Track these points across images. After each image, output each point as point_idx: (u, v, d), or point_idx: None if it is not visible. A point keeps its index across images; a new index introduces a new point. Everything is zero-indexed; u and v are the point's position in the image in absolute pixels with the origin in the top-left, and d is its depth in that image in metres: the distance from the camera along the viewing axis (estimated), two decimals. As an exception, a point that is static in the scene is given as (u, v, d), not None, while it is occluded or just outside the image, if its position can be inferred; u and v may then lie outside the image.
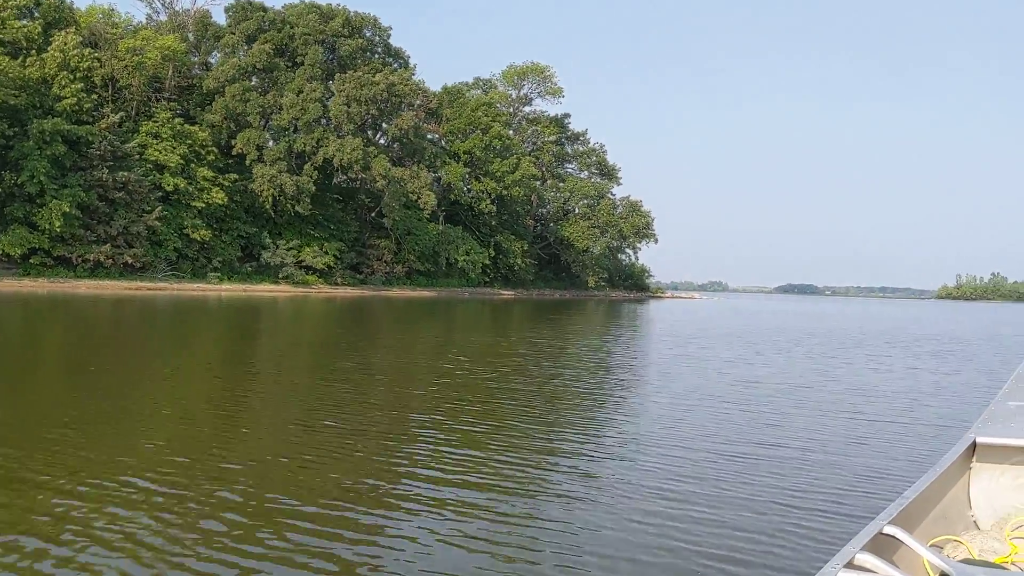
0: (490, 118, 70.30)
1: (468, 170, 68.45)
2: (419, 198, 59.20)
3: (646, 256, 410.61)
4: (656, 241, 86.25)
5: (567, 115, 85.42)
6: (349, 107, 57.41)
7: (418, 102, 66.54)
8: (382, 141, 66.28)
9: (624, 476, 6.37)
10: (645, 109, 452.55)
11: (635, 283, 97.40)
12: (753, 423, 8.88)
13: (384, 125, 60.62)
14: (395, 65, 66.40)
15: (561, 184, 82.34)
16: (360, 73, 57.84)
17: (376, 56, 66.95)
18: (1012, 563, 3.19)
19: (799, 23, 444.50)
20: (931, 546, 3.11)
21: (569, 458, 6.98)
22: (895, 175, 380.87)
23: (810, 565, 4.36)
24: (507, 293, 75.87)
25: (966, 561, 3.07)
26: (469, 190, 69.70)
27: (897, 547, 2.89)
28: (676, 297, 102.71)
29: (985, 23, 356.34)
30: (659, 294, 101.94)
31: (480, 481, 6.08)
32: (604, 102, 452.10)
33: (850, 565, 2.53)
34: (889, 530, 2.86)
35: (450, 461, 6.65)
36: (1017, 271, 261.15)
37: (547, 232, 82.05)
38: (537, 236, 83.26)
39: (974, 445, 3.95)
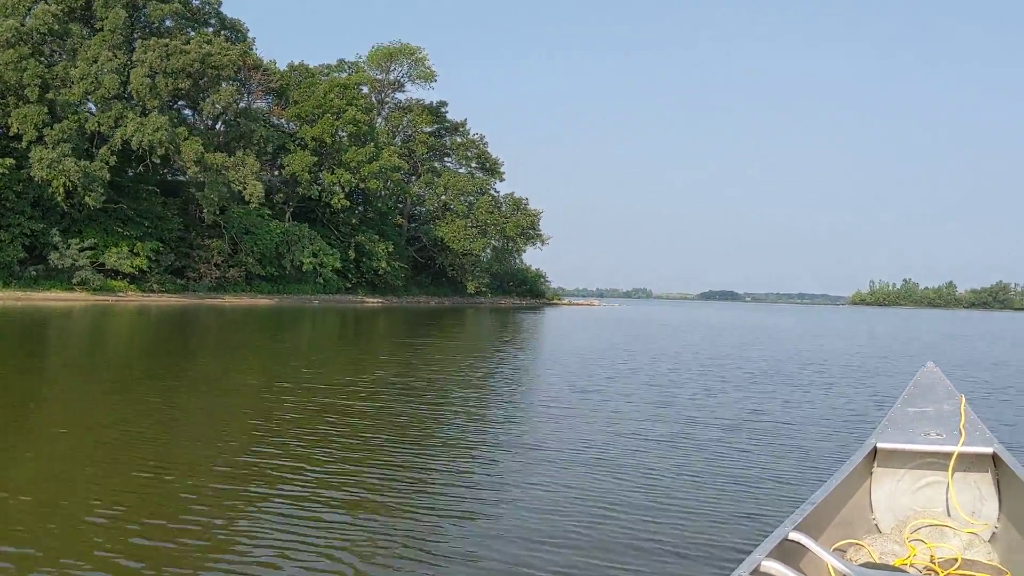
0: (345, 101, 61.14)
1: (316, 159, 58.85)
2: (244, 188, 49.47)
3: (560, 260, 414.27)
4: (543, 243, 77.85)
5: (444, 103, 76.88)
6: (154, 80, 47.38)
7: (256, 81, 56.84)
8: (211, 124, 56.18)
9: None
10: (572, 111, 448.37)
11: (529, 289, 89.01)
12: (645, 431, 8.33)
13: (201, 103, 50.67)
14: (230, 38, 56.52)
15: (436, 179, 73.20)
16: (168, 40, 47.85)
17: (208, 28, 57.13)
18: (911, 565, 3.35)
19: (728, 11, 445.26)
20: (835, 551, 3.35)
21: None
22: (812, 183, 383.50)
23: (719, 574, 4.13)
24: (373, 301, 67.06)
25: (867, 565, 3.26)
26: (319, 182, 60.12)
27: (802, 553, 2.99)
28: (574, 304, 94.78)
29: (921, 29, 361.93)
30: (556, 301, 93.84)
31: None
32: (520, 104, 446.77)
33: (756, 572, 2.61)
34: (794, 536, 2.97)
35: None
36: (927, 277, 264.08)
37: (421, 233, 72.88)
38: (411, 237, 74.13)
39: (875, 451, 4.14)
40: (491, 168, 78.41)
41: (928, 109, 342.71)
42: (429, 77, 73.39)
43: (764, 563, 2.63)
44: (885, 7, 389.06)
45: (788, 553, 2.90)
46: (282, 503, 5.33)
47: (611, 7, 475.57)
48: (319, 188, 61.89)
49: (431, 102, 77.15)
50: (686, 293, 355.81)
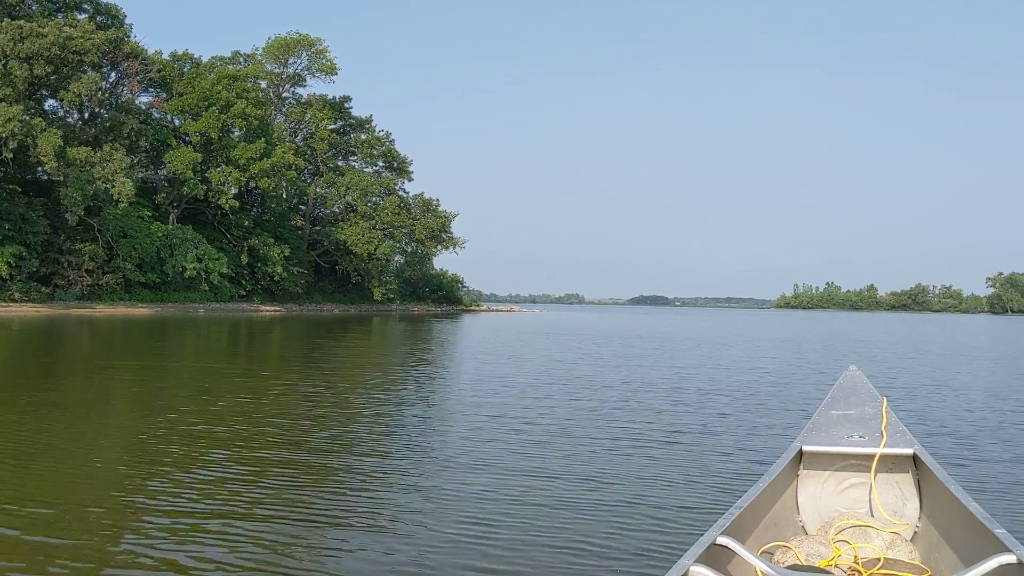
0: (234, 94, 56.89)
1: (202, 157, 54.57)
2: (112, 186, 45.04)
3: (493, 266, 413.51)
4: (457, 247, 74.64)
5: (347, 98, 73.21)
6: (6, 65, 42.62)
7: (133, 70, 52.29)
8: (79, 116, 51.42)
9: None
10: (503, 119, 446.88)
11: (445, 295, 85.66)
12: (567, 437, 8.18)
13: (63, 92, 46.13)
14: (104, 23, 51.87)
15: (339, 179, 69.29)
16: (22, 23, 43.15)
17: (82, 14, 52.33)
18: (835, 566, 3.45)
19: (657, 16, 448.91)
20: (762, 553, 3.45)
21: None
22: (741, 188, 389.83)
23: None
24: (269, 309, 63.02)
25: (793, 567, 3.34)
26: (207, 181, 55.79)
27: (730, 557, 3.06)
28: (494, 311, 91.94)
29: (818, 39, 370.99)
30: (474, 307, 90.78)
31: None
32: (449, 107, 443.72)
33: None
34: (722, 540, 3.01)
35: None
36: (849, 281, 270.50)
37: (324, 236, 68.88)
38: (313, 241, 70.08)
39: (800, 453, 4.22)
40: (399, 167, 74.86)
41: (880, 113, 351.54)
42: (330, 70, 69.61)
43: (692, 568, 2.71)
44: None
45: (716, 557, 2.98)
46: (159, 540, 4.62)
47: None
48: (206, 188, 57.46)
49: (334, 97, 73.31)
50: (617, 298, 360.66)
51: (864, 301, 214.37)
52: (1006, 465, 7.37)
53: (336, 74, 69.81)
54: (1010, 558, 2.85)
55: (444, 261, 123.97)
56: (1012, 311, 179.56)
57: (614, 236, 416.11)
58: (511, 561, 4.39)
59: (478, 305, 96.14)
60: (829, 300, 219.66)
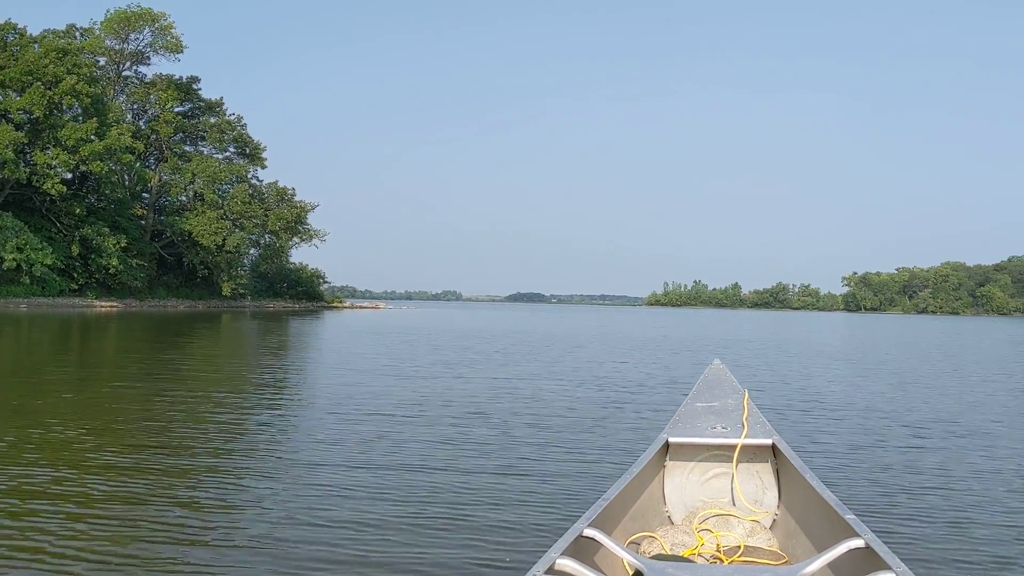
0: (64, 69, 52.22)
1: (24, 136, 49.78)
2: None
3: (367, 261, 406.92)
4: (316, 238, 71.66)
5: (195, 79, 68.89)
6: None
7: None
8: None
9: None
10: (377, 109, 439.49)
11: (305, 291, 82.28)
12: (429, 437, 8.01)
13: None
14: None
15: (186, 165, 65.11)
16: None
17: None
18: (699, 554, 3.55)
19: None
20: (629, 544, 3.58)
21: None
22: (614, 185, 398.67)
23: (516, 572, 4.17)
24: (105, 305, 58.70)
25: (657, 557, 3.39)
26: (30, 164, 50.97)
27: (597, 548, 3.10)
28: (358, 308, 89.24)
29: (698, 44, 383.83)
30: (336, 304, 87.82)
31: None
32: (322, 100, 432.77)
33: (551, 571, 2.68)
34: (589, 532, 3.05)
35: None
36: (715, 279, 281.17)
37: (168, 226, 64.57)
38: (156, 231, 65.65)
39: (667, 445, 4.36)
40: (252, 153, 71.15)
41: (743, 119, 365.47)
42: (176, 48, 65.44)
43: (559, 561, 2.72)
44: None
45: (583, 549, 3.00)
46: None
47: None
48: (29, 171, 52.62)
49: (181, 77, 68.80)
50: (495, 295, 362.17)
51: (729, 299, 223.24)
52: (857, 452, 7.83)
53: (181, 52, 65.77)
54: (859, 542, 2.98)
55: (309, 255, 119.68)
56: (865, 309, 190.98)
57: (491, 233, 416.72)
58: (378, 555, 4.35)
59: (340, 301, 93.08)
60: (697, 298, 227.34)
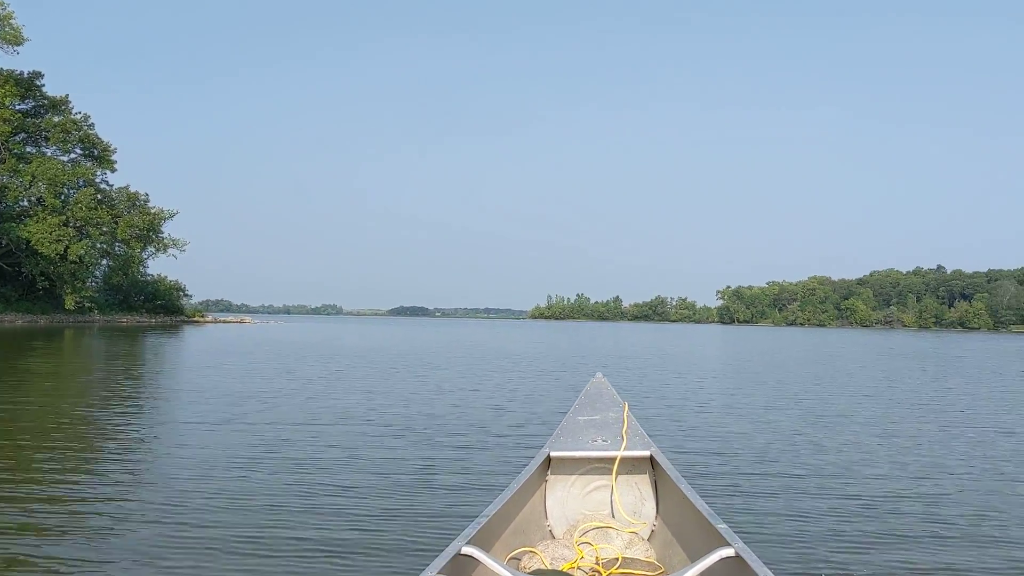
0: None
1: None
2: None
3: (243, 273, 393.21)
4: (171, 248, 66.97)
5: (38, 73, 63.30)
6: None
7: None
8: None
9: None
10: (253, 115, 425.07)
11: (163, 304, 76.85)
12: (309, 451, 8.00)
13: None
14: None
15: (25, 167, 59.43)
16: None
17: None
18: (578, 567, 3.58)
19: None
20: (509, 560, 3.58)
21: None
22: (498, 197, 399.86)
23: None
24: (-75, 320, 52.11)
25: (537, 572, 3.41)
26: None
27: (475, 566, 3.09)
28: (222, 322, 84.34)
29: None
30: (198, 318, 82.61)
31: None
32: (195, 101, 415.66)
33: None
34: (467, 550, 3.04)
35: None
36: (597, 292, 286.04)
37: (3, 233, 58.66)
38: (-9, 240, 59.55)
39: (549, 459, 4.39)
40: (100, 155, 65.76)
41: (621, 137, 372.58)
42: (15, 40, 59.68)
43: None
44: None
45: (461, 567, 2.99)
46: None
47: None
48: None
49: (23, 72, 63.01)
50: (377, 309, 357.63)
51: (610, 311, 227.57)
52: (732, 461, 7.97)
53: (21, 44, 59.98)
54: (729, 551, 3.03)
55: (173, 267, 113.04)
56: (738, 321, 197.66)
57: (373, 246, 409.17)
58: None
59: (202, 316, 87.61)
60: (579, 310, 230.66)
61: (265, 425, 9.74)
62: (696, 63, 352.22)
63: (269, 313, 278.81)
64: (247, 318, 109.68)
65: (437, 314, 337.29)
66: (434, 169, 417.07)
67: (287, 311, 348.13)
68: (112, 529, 5.20)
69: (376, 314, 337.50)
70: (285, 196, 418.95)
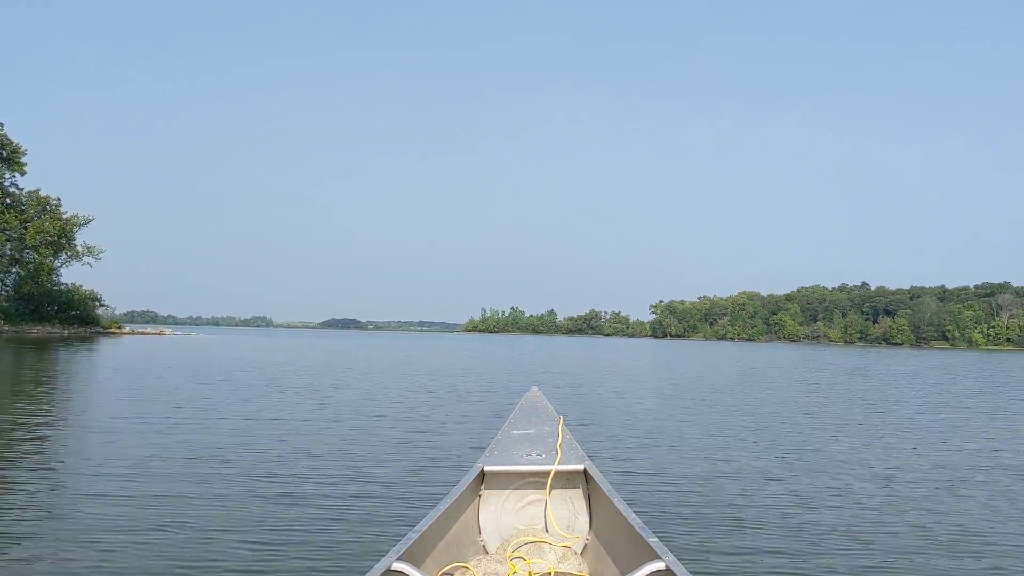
0: None
1: None
2: None
3: (171, 284, 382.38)
4: (85, 255, 63.89)
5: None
6: None
7: None
8: None
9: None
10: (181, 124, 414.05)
11: (78, 315, 73.59)
12: (232, 471, 7.76)
13: None
14: None
15: (-75, 168, 56.33)
16: None
17: None
18: None
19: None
20: (441, 575, 3.57)
21: None
22: (429, 209, 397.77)
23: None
24: None
25: None
26: None
27: None
28: (139, 333, 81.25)
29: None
30: (114, 330, 79.41)
31: None
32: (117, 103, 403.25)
33: None
34: (398, 566, 3.04)
35: None
36: (532, 305, 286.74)
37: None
38: None
39: (482, 473, 4.39)
40: (9, 157, 62.72)
41: (555, 157, 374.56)
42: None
43: None
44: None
45: None
46: None
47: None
48: None
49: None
50: (308, 321, 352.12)
51: (545, 325, 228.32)
52: (664, 474, 8.09)
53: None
54: (659, 565, 3.06)
55: (97, 276, 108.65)
56: (670, 335, 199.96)
57: (307, 258, 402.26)
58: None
59: (119, 327, 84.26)
60: (514, 324, 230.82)
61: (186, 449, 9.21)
62: (611, 80, 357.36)
63: (196, 325, 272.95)
64: (167, 330, 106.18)
65: (370, 327, 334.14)
66: (372, 182, 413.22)
67: (215, 323, 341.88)
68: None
69: (307, 327, 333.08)
70: (223, 207, 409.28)
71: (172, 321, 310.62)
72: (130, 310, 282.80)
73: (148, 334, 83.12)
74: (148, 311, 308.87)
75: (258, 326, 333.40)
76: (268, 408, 13.57)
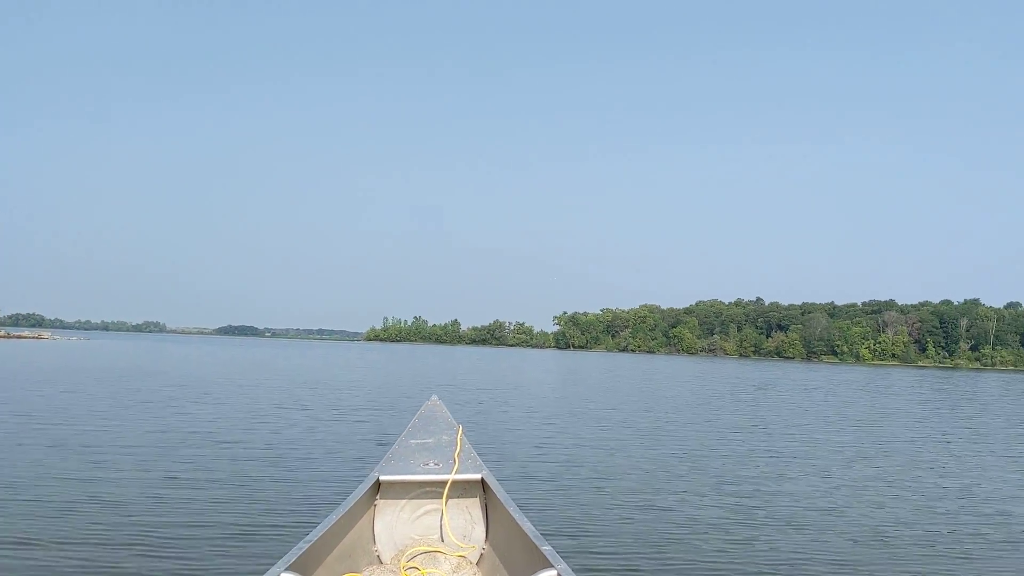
0: None
1: None
2: None
3: (54, 288, 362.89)
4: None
5: None
6: None
7: None
8: None
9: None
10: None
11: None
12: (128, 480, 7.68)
13: None
14: None
15: None
16: None
17: None
18: None
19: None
20: None
21: None
22: (334, 219, 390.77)
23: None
24: None
25: None
26: None
27: None
28: (16, 337, 77.00)
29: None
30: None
31: None
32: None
33: None
34: None
35: None
36: (435, 315, 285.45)
37: None
38: None
39: (378, 483, 4.37)
40: None
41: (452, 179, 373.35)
42: None
43: None
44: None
45: None
46: None
47: None
48: None
49: None
50: (203, 327, 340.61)
51: (448, 335, 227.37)
52: (560, 482, 8.23)
53: None
54: (552, 573, 3.09)
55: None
56: (573, 347, 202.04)
57: (202, 257, 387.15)
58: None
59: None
60: (416, 333, 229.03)
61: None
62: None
63: (85, 329, 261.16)
64: (47, 334, 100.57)
65: (267, 334, 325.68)
66: (282, 187, 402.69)
67: (105, 327, 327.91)
68: None
69: (202, 333, 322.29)
70: (117, 207, 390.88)
71: (60, 325, 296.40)
72: (15, 312, 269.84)
73: (24, 338, 78.68)
74: (34, 314, 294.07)
75: (150, 331, 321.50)
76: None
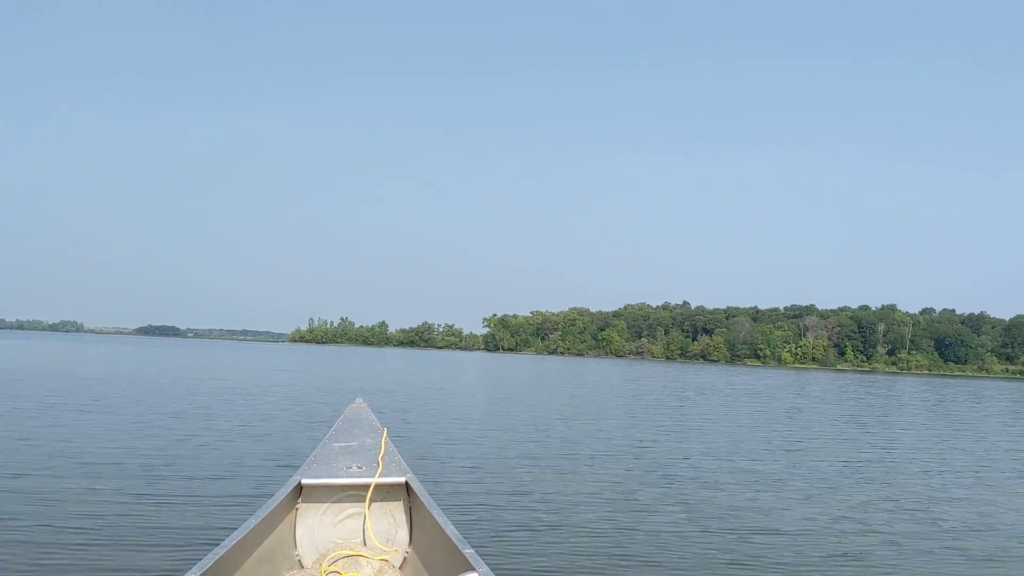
0: None
1: None
2: None
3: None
4: None
5: None
6: None
7: None
8: None
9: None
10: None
11: None
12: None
13: None
14: None
15: None
16: None
17: None
18: None
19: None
20: None
21: None
22: (259, 216, 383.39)
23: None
24: None
25: None
26: None
27: None
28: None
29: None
30: None
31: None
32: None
33: None
34: None
35: None
36: (362, 317, 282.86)
37: None
38: None
39: (300, 486, 4.32)
40: None
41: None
42: None
43: None
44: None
45: None
46: None
47: None
48: None
49: None
50: (123, 327, 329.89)
51: (376, 337, 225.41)
52: (485, 485, 8.27)
53: None
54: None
55: None
56: (503, 349, 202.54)
57: (121, 255, 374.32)
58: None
59: None
60: (343, 335, 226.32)
61: None
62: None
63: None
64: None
65: (190, 335, 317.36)
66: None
67: (20, 326, 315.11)
68: None
69: (121, 333, 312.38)
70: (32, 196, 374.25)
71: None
72: None
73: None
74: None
75: (67, 331, 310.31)
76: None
